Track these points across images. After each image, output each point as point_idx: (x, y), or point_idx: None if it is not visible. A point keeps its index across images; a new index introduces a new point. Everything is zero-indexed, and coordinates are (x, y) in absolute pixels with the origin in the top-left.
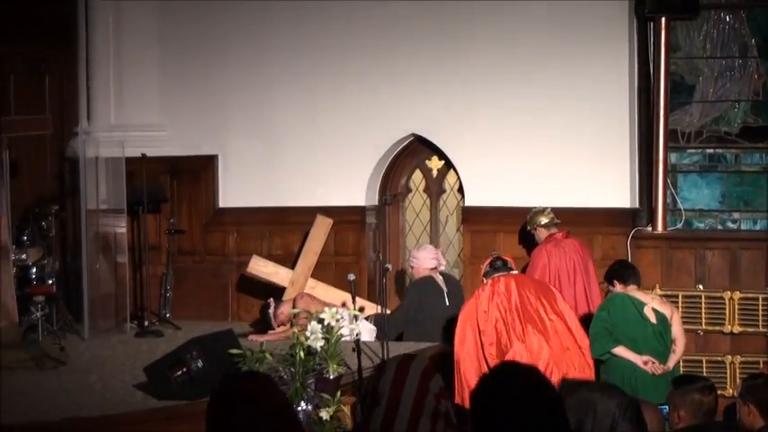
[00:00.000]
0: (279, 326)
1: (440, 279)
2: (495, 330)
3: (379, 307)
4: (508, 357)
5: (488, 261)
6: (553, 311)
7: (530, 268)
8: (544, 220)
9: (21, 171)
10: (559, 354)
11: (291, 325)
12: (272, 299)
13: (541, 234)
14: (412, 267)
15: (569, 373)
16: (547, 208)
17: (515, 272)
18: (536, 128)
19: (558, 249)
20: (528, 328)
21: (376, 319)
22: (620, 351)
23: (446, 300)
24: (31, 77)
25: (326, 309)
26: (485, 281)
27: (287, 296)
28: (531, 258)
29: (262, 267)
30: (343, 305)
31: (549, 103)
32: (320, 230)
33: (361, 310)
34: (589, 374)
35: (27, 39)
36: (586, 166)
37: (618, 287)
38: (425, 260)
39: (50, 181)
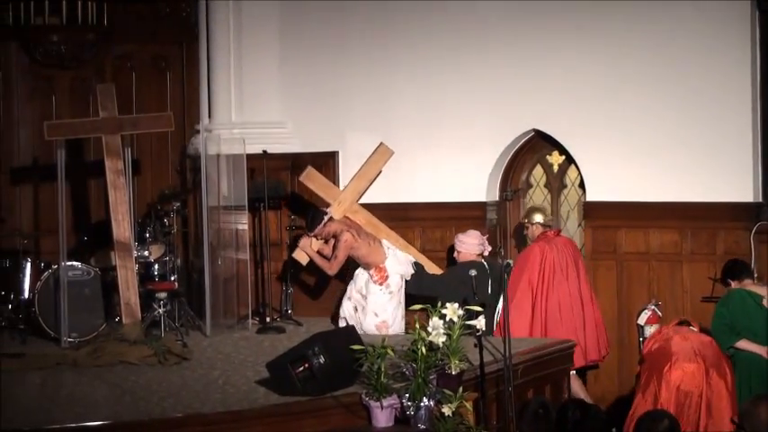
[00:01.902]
0: (318, 236)
1: (485, 265)
2: None
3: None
4: None
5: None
6: None
7: (521, 264)
8: (540, 218)
9: (143, 169)
10: None
11: (326, 241)
12: (331, 207)
13: (535, 231)
14: (458, 252)
15: None
16: (544, 206)
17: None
18: (656, 122)
19: (551, 246)
20: None
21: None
22: (744, 344)
23: (489, 287)
24: (153, 75)
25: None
26: None
27: (332, 213)
28: (524, 255)
29: (317, 179)
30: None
31: (669, 96)
32: (380, 158)
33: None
34: None
35: (149, 37)
36: (708, 160)
37: (733, 284)
38: (471, 245)
39: (172, 178)
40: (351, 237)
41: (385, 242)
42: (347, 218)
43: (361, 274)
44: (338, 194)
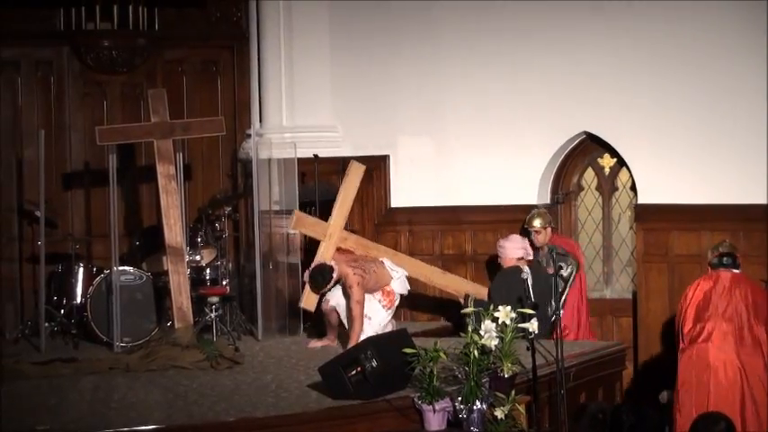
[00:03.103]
0: (322, 292)
1: (526, 270)
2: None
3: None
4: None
5: (717, 254)
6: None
7: None
8: (541, 224)
9: (194, 173)
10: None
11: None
12: (322, 245)
13: (541, 238)
14: (499, 257)
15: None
16: (546, 213)
17: (738, 271)
18: (709, 122)
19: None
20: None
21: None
22: None
23: (531, 292)
24: (204, 79)
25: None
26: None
27: (325, 248)
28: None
29: (305, 221)
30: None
31: (722, 98)
32: (354, 178)
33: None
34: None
35: (200, 41)
36: (762, 161)
37: None
38: (513, 250)
39: (223, 182)
40: (360, 279)
41: (386, 262)
42: (339, 249)
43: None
44: (326, 229)
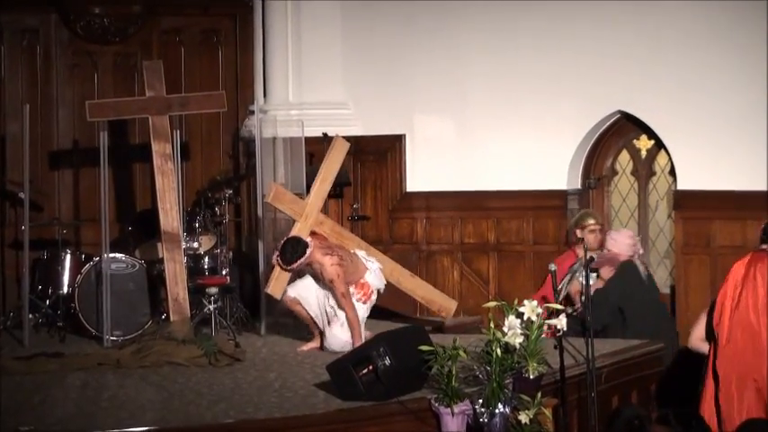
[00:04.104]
0: (289, 269)
1: (642, 268)
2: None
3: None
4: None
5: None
6: None
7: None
8: (595, 222)
9: (192, 153)
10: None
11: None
12: (297, 225)
13: (593, 238)
14: (609, 250)
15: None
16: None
17: None
18: (755, 102)
19: None
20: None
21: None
22: None
23: (638, 293)
24: (204, 51)
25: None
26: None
27: (299, 231)
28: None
29: (284, 197)
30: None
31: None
32: (338, 154)
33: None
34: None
35: (199, 9)
36: None
37: None
38: (625, 246)
39: (224, 163)
40: (340, 268)
41: (359, 253)
42: (314, 233)
43: (319, 289)
44: (303, 208)
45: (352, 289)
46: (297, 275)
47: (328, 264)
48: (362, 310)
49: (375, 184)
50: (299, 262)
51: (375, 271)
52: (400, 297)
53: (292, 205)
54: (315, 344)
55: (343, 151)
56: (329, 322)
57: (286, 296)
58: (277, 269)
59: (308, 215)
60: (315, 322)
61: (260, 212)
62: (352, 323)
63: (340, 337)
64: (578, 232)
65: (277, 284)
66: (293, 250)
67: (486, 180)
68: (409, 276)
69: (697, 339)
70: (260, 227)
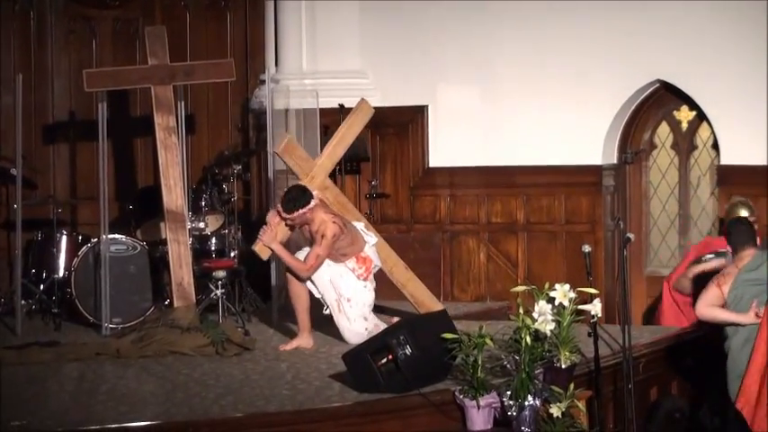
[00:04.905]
0: (291, 221)
1: None
2: None
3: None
4: None
5: None
6: None
7: None
8: (750, 213)
9: (199, 126)
10: None
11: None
12: (316, 192)
13: None
14: None
15: None
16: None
17: None
18: None
19: None
20: None
21: None
22: None
23: None
24: (211, 16)
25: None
26: None
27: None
28: None
29: (296, 152)
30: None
31: None
32: (360, 118)
33: None
34: None
35: None
36: None
37: None
38: None
39: (232, 137)
40: (338, 229)
41: (358, 225)
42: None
43: (327, 265)
44: (312, 168)
45: (352, 264)
46: (289, 246)
47: (330, 221)
48: (365, 294)
49: (395, 159)
50: (300, 211)
51: (373, 245)
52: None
53: (301, 162)
54: (299, 342)
55: (367, 116)
56: (333, 313)
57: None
58: (271, 224)
59: (314, 176)
60: (307, 315)
61: (271, 190)
62: (295, 264)
63: (358, 330)
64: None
65: (263, 247)
66: (297, 197)
67: (515, 154)
68: (403, 268)
69: (706, 306)
70: (271, 205)
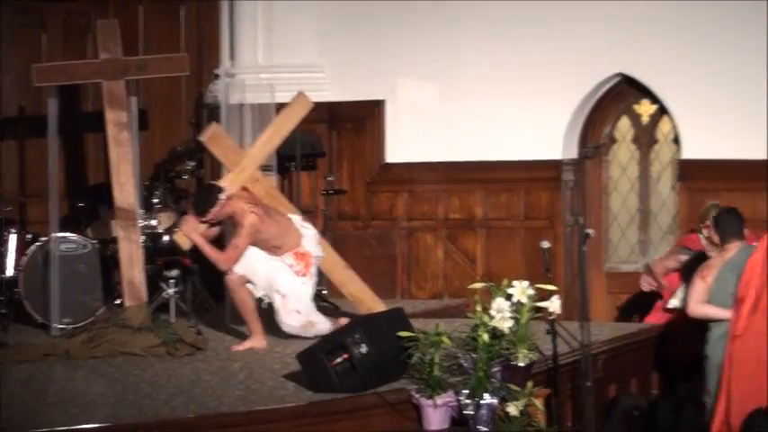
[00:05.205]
0: (205, 220)
1: None
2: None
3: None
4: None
5: None
6: None
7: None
8: None
9: (151, 121)
10: None
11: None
12: (228, 176)
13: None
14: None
15: None
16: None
17: None
18: (764, 66)
19: None
20: None
21: None
22: None
23: None
24: (164, 9)
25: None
26: None
27: (229, 182)
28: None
29: (222, 140)
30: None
31: None
32: (296, 110)
33: None
34: None
35: None
36: None
37: None
38: None
39: (186, 132)
40: (256, 218)
41: (295, 218)
42: (245, 190)
43: (264, 261)
44: (241, 159)
45: (290, 260)
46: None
47: (247, 211)
48: (304, 287)
49: (352, 154)
50: (212, 210)
51: (312, 237)
52: None
53: (228, 152)
54: (252, 343)
55: (305, 109)
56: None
57: (231, 275)
58: (188, 218)
59: (244, 167)
60: (256, 317)
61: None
62: (210, 253)
63: (292, 322)
64: (705, 230)
65: (183, 237)
66: (205, 198)
67: (473, 150)
68: (343, 267)
69: (696, 303)
70: None
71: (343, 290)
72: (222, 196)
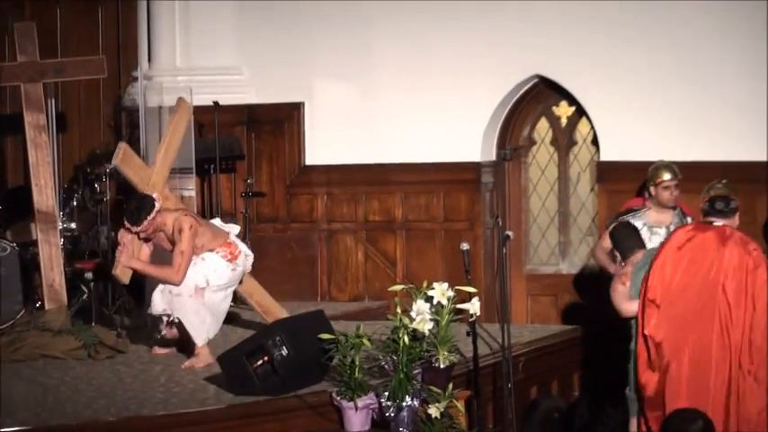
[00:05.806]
0: (142, 233)
1: None
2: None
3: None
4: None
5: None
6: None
7: None
8: (671, 177)
9: (70, 124)
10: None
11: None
12: (156, 194)
13: (667, 195)
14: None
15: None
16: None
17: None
18: (683, 70)
19: None
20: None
21: None
22: None
23: None
24: (82, 10)
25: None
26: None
27: None
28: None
29: (132, 161)
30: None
31: (701, 35)
32: (182, 117)
33: None
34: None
35: None
36: (739, 115)
37: None
38: None
39: (105, 135)
40: (194, 220)
41: (216, 221)
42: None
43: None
44: (150, 177)
45: (221, 251)
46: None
47: (182, 214)
48: (227, 271)
49: (271, 156)
50: (148, 218)
51: (237, 233)
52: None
53: (139, 171)
54: (173, 350)
55: (188, 114)
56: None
57: (153, 310)
58: (125, 244)
59: (154, 184)
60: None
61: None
62: (164, 271)
63: (188, 284)
64: (652, 189)
65: (124, 270)
66: (141, 205)
67: (393, 152)
68: (248, 277)
69: (625, 304)
70: None
71: (249, 300)
72: (157, 204)
